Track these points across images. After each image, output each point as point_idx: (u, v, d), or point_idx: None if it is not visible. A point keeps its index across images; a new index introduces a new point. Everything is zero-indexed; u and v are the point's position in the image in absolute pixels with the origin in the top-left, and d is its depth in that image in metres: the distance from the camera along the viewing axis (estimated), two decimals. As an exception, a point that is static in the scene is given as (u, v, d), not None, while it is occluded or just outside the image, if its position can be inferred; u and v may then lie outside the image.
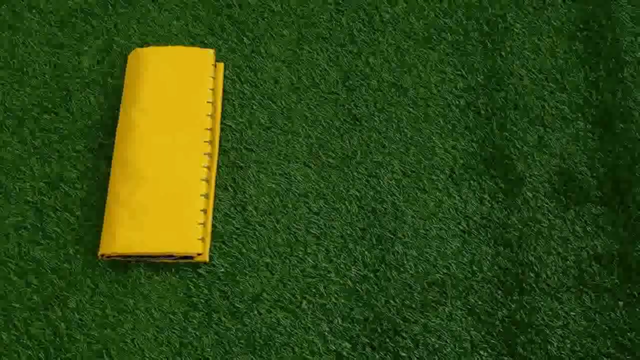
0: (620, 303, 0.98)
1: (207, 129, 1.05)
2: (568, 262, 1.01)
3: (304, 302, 0.98)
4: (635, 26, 1.17)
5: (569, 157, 1.08)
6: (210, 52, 1.11)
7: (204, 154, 1.04)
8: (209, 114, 1.07)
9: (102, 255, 0.98)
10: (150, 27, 1.17)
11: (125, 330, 0.96)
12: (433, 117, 1.11)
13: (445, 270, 1.00)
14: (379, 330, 0.97)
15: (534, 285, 0.99)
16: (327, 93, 1.13)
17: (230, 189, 1.06)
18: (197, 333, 0.96)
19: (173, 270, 1.00)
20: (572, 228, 1.03)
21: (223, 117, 1.11)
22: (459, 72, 1.14)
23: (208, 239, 1.01)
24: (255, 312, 0.98)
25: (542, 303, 0.98)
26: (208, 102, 1.07)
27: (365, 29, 1.18)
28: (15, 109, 1.11)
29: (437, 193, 1.06)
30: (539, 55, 1.16)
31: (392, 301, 0.98)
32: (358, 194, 1.05)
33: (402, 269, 1.00)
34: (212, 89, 1.09)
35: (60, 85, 1.13)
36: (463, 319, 0.97)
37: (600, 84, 1.13)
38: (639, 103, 1.12)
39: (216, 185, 1.05)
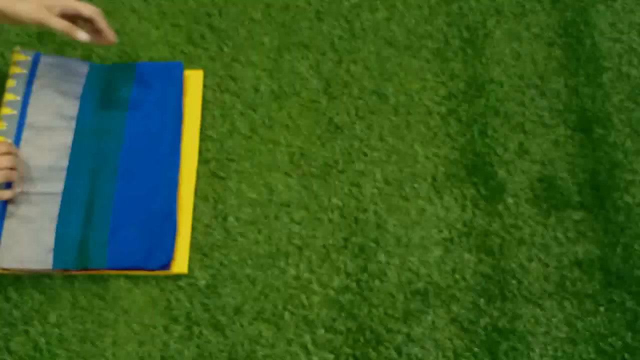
0: (601, 308, 0.99)
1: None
2: (549, 268, 1.01)
3: (286, 313, 0.98)
4: (613, 32, 1.18)
5: (550, 163, 1.08)
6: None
7: None
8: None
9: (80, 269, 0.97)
10: (129, 37, 1.16)
11: (106, 344, 0.95)
12: (414, 124, 1.11)
13: (427, 279, 1.00)
14: (362, 340, 0.96)
15: (516, 292, 0.99)
16: (308, 101, 1.13)
17: (210, 199, 1.05)
18: (179, 346, 0.95)
19: (153, 283, 0.99)
20: (553, 234, 1.03)
21: (203, 126, 1.10)
22: (439, 79, 1.14)
23: (186, 250, 1.00)
24: (237, 324, 0.97)
25: (524, 310, 0.98)
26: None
27: (345, 36, 1.18)
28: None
29: (419, 201, 1.06)
30: (519, 61, 1.16)
31: (374, 311, 0.98)
32: (340, 203, 1.05)
33: (384, 278, 1.00)
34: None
35: (38, 97, 1.11)
36: (446, 328, 0.97)
37: (580, 90, 1.14)
38: (617, 108, 1.12)
39: (196, 196, 1.04)
